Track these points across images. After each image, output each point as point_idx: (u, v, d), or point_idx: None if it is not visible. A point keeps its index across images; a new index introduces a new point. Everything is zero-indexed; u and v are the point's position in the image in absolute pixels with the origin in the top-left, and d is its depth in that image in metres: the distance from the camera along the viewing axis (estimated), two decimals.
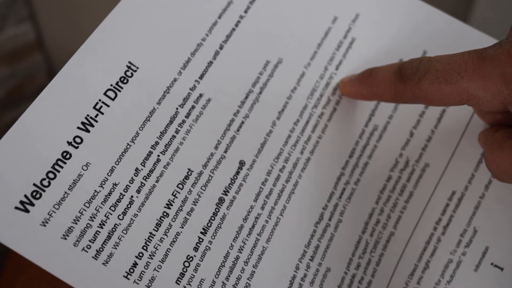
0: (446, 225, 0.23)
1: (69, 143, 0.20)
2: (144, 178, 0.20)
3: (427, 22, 0.24)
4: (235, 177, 0.22)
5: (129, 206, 0.20)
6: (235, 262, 0.20)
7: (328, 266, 0.21)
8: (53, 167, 0.19)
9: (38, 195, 0.19)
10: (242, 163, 0.22)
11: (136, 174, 0.20)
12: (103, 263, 0.19)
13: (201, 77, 0.22)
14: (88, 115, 0.20)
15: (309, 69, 0.24)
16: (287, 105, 0.23)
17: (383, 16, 0.25)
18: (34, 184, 0.19)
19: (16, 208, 0.19)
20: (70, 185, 0.19)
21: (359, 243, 0.22)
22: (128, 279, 0.19)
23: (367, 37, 0.25)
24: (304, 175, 0.23)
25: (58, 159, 0.19)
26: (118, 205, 0.20)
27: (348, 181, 0.23)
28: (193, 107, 0.22)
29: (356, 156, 0.24)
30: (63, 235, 0.19)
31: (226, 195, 0.21)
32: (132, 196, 0.20)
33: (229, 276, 0.20)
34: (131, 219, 0.20)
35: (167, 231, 0.19)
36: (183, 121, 0.21)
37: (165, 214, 0.20)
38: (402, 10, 0.24)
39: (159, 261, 0.19)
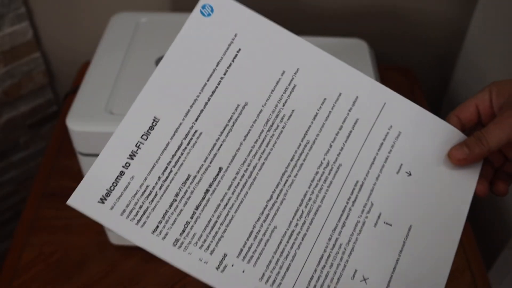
0: (354, 200, 0.37)
1: (123, 166, 0.35)
2: (163, 180, 0.35)
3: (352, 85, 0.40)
4: (215, 178, 0.36)
5: (153, 201, 0.35)
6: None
7: (276, 225, 0.36)
8: (115, 179, 0.35)
9: (108, 195, 0.34)
10: (220, 169, 0.36)
11: (158, 179, 0.35)
12: (140, 226, 0.34)
13: (196, 120, 0.37)
14: (132, 150, 0.36)
15: (265, 107, 0.38)
16: (250, 131, 0.37)
17: (322, 71, 0.39)
18: (106, 189, 0.35)
19: (98, 201, 0.34)
20: (123, 191, 0.35)
21: (297, 211, 0.36)
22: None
23: (307, 84, 0.39)
24: (261, 170, 0.37)
25: (118, 175, 0.35)
26: (147, 201, 0.35)
27: (289, 175, 0.37)
28: (191, 139, 0.36)
29: (296, 158, 0.38)
30: (121, 213, 0.34)
31: (207, 192, 0.36)
32: (156, 195, 0.35)
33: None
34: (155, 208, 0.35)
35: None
36: (185, 148, 0.36)
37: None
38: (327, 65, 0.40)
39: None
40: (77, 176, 0.68)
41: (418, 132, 0.40)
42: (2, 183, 0.96)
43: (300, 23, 0.87)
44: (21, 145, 0.96)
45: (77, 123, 0.53)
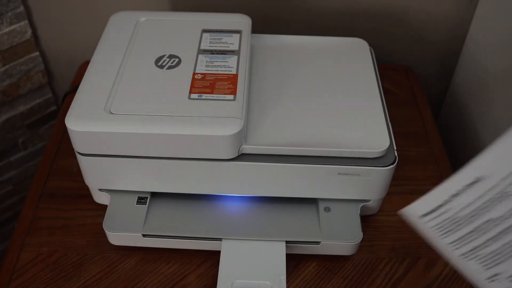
0: None
1: (445, 200, 0.46)
2: (470, 217, 0.45)
3: None
4: (510, 225, 0.44)
5: (458, 227, 0.46)
6: None
7: None
8: (437, 206, 0.46)
9: (429, 213, 0.46)
10: None
11: (466, 216, 0.45)
12: (442, 238, 0.46)
13: (510, 184, 0.44)
14: (454, 193, 0.45)
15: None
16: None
17: None
18: (429, 210, 0.47)
19: (419, 216, 0.46)
20: (439, 214, 0.46)
21: None
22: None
23: None
24: None
25: (440, 204, 0.46)
26: (453, 225, 0.47)
27: None
28: (498, 196, 0.44)
29: None
30: (432, 226, 0.46)
31: None
32: (461, 224, 0.46)
33: None
34: None
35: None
36: (493, 201, 0.45)
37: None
38: None
39: None
40: (76, 176, 0.68)
41: None
42: (0, 183, 0.95)
43: (301, 22, 0.87)
44: (20, 145, 0.95)
45: (76, 123, 0.53)
